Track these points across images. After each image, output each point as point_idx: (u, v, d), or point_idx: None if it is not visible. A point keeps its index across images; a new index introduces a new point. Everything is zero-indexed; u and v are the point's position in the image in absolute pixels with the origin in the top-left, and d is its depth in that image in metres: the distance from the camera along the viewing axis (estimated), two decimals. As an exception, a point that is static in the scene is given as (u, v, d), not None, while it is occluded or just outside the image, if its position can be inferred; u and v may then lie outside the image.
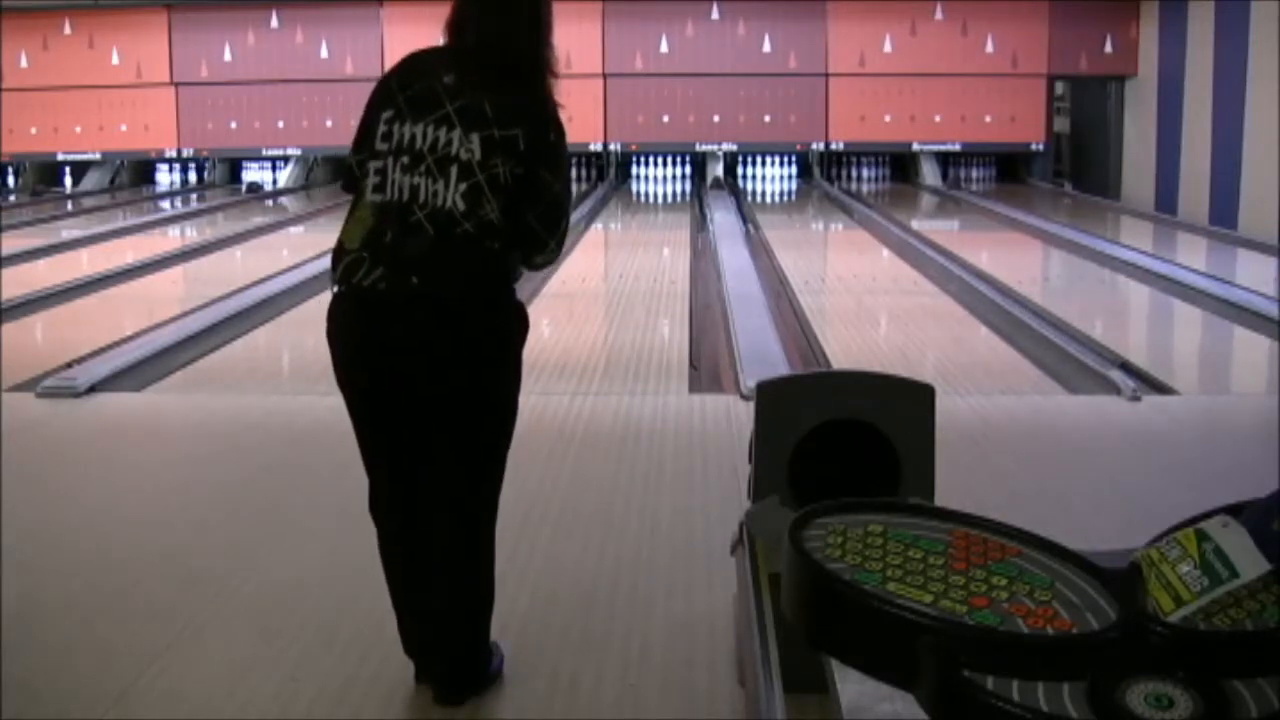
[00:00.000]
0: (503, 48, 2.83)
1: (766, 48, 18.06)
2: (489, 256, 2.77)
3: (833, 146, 18.32)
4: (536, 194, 2.81)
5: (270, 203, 17.43)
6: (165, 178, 19.60)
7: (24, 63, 18.48)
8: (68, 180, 19.29)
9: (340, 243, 2.83)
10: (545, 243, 2.86)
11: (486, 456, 2.91)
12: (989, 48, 17.91)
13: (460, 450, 2.87)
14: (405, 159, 2.78)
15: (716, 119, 18.17)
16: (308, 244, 12.71)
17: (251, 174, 19.34)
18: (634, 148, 18.42)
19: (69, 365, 6.73)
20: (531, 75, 2.85)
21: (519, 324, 2.89)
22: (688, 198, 17.12)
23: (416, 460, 2.88)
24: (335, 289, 2.84)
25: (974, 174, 18.94)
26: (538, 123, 2.82)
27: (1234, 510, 1.82)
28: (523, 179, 2.79)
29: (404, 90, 2.84)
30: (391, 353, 2.78)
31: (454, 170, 2.75)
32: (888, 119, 18.10)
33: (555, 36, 2.91)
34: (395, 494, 2.92)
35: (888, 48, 17.98)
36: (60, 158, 18.96)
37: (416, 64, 2.90)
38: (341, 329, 2.84)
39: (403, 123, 2.80)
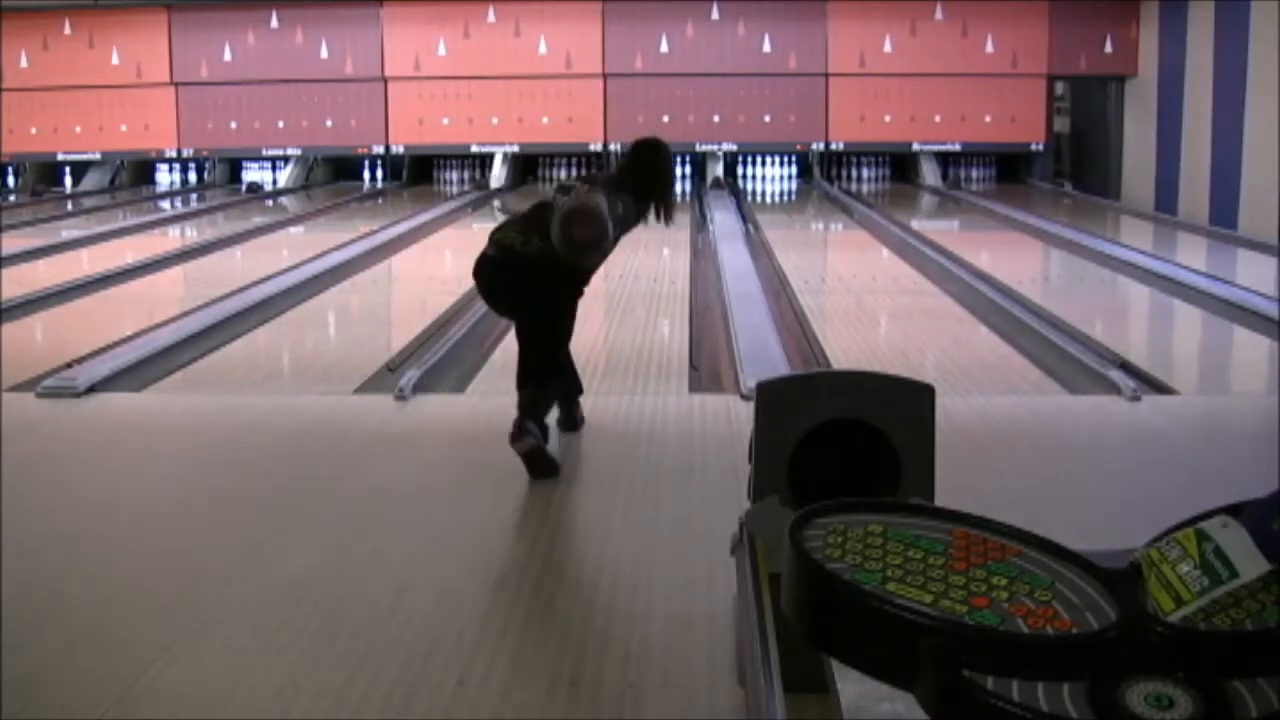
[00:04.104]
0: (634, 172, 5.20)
1: (766, 48, 18.07)
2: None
3: (833, 146, 18.32)
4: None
5: (270, 203, 17.43)
6: (165, 178, 19.60)
7: (24, 63, 18.48)
8: (68, 180, 19.29)
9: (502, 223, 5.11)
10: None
11: (563, 305, 5.03)
12: (989, 48, 17.91)
13: (549, 304, 4.97)
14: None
15: (716, 119, 18.17)
16: (308, 244, 12.72)
17: (251, 174, 19.34)
18: (634, 148, 18.40)
19: (69, 365, 6.73)
20: (641, 193, 5.13)
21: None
22: (688, 198, 17.10)
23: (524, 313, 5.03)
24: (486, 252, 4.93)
25: (974, 174, 18.92)
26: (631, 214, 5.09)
27: (1234, 510, 1.82)
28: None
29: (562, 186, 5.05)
30: (513, 275, 4.84)
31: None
32: (888, 119, 18.10)
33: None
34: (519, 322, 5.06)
35: (888, 48, 17.98)
36: (60, 158, 18.96)
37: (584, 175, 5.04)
38: (487, 269, 4.90)
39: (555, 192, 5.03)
